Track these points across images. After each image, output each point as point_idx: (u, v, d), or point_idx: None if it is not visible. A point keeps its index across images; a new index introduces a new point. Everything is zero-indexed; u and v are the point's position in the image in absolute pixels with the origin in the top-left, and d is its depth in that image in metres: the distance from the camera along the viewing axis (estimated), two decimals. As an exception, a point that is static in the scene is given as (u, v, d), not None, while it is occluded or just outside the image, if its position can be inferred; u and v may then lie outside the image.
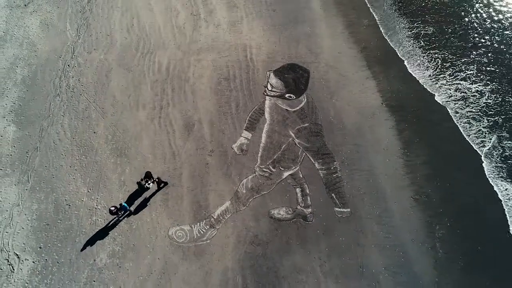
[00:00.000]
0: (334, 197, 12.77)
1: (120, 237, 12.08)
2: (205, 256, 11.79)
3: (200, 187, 12.97)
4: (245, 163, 13.45)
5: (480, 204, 12.62)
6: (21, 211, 12.53)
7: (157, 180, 12.37)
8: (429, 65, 16.01)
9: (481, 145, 13.85)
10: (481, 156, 13.61)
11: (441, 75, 15.68)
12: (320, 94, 15.03)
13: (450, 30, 17.06)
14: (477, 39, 16.69)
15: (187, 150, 13.75)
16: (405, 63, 16.11)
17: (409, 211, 12.51)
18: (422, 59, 16.21)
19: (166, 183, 12.91)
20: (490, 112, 14.59)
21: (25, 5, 18.03)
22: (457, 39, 16.72)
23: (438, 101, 14.92)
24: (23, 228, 12.24)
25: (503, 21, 17.17)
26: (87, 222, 12.31)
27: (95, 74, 15.75)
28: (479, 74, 15.60)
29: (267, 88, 15.12)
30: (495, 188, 12.89)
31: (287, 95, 14.83)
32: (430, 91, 15.22)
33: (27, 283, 11.38)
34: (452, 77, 15.60)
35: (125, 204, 11.91)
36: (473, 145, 13.85)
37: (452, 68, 15.86)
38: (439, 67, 15.92)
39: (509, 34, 16.70)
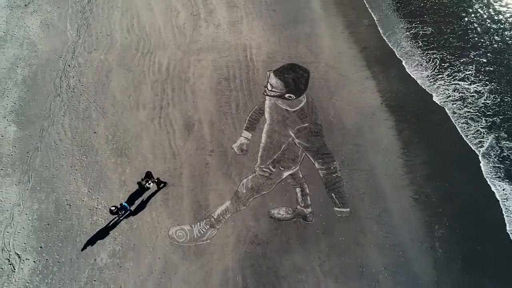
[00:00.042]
0: (334, 197, 12.82)
1: (121, 237, 12.12)
2: (205, 255, 11.83)
3: (200, 187, 13.01)
4: (245, 163, 13.49)
5: (480, 204, 12.66)
6: (22, 211, 12.56)
7: (156, 180, 12.41)
8: (427, 65, 16.02)
9: (479, 145, 13.88)
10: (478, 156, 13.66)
11: (439, 76, 15.72)
12: (320, 94, 15.07)
13: (448, 31, 17.07)
14: (475, 39, 16.72)
15: (187, 150, 13.79)
16: (403, 63, 16.13)
17: (408, 211, 12.56)
18: (420, 59, 16.22)
19: (165, 183, 12.95)
20: (488, 113, 14.62)
21: (25, 5, 18.05)
22: (456, 40, 16.75)
23: (436, 102, 14.96)
24: (24, 228, 12.28)
25: (501, 22, 17.22)
26: (87, 221, 12.35)
27: (95, 74, 15.77)
28: (477, 75, 15.62)
29: (267, 88, 15.16)
30: (493, 188, 12.93)
31: (287, 95, 14.87)
32: (428, 91, 15.25)
33: (28, 282, 11.41)
34: (451, 77, 15.64)
35: (126, 204, 11.96)
36: (471, 146, 13.88)
37: (450, 69, 15.88)
38: (438, 67, 15.95)
39: (508, 35, 16.75)
